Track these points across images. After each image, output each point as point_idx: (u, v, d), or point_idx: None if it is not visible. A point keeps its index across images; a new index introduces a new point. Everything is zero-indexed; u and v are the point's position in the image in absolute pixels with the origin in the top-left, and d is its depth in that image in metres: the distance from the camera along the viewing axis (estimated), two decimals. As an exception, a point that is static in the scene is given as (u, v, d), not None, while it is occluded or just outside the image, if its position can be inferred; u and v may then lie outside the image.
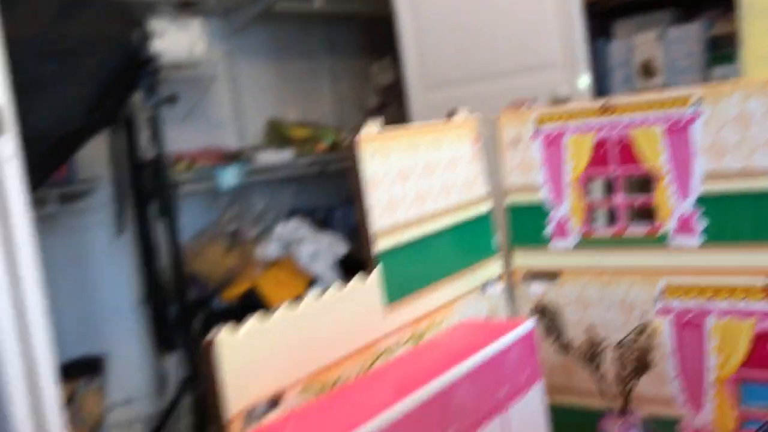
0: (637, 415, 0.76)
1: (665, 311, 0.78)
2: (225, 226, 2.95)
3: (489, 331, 0.72)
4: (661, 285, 0.78)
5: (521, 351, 0.71)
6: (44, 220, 2.44)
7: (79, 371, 2.67)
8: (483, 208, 0.83)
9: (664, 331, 0.79)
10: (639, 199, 0.79)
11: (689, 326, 0.77)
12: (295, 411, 0.59)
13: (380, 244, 0.69)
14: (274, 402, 0.59)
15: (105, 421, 2.73)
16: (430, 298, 0.75)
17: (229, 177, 2.79)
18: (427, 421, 0.59)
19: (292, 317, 0.60)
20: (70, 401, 2.54)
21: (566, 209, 0.82)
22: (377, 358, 0.68)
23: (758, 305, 0.73)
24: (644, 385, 0.81)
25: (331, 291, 0.63)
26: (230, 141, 3.04)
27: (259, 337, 0.57)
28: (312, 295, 0.62)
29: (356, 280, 0.66)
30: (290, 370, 0.59)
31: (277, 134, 3.04)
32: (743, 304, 0.74)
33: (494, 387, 0.67)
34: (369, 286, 0.67)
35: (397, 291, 0.71)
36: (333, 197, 3.13)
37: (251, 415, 0.57)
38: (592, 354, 0.75)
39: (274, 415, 0.57)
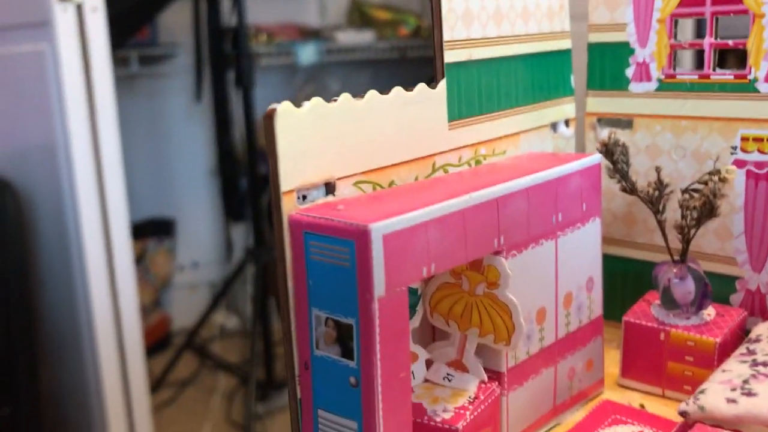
0: (694, 264, 0.73)
1: (741, 163, 0.75)
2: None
3: (553, 159, 0.71)
4: (740, 135, 0.74)
5: (582, 182, 0.70)
6: (125, 81, 2.49)
7: (151, 231, 2.77)
8: (563, 44, 0.80)
9: (737, 183, 0.75)
10: (731, 41, 0.74)
11: (765, 179, 0.74)
12: (347, 199, 0.59)
13: (450, 56, 0.67)
14: (328, 189, 0.59)
15: (172, 282, 2.84)
16: (495, 124, 0.73)
17: (308, 54, 2.78)
18: (476, 223, 0.59)
19: (354, 106, 0.59)
20: (140, 260, 2.65)
21: (650, 50, 0.78)
22: (435, 171, 0.67)
23: (843, 160, 0.69)
24: (707, 241, 0.79)
25: (397, 90, 0.62)
26: (311, 18, 3.01)
27: (319, 117, 0.56)
28: (376, 91, 0.61)
29: (423, 86, 0.65)
30: (346, 160, 0.59)
31: (358, 15, 2.99)
32: (827, 158, 0.70)
33: (549, 210, 0.66)
34: (436, 94, 0.66)
35: (462, 108, 0.69)
36: (410, 84, 3.09)
37: (304, 195, 0.57)
38: (656, 197, 0.73)
39: (325, 199, 0.58)
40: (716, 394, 0.59)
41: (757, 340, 0.68)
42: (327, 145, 0.57)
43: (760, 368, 0.61)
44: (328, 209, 0.55)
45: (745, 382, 0.59)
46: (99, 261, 1.58)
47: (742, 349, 0.67)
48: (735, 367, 0.63)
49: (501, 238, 0.61)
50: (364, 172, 0.61)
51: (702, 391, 0.60)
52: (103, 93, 1.53)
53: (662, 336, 0.74)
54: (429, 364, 0.65)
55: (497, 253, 0.62)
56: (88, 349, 1.63)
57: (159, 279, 2.81)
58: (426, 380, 0.64)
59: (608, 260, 0.87)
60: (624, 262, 0.85)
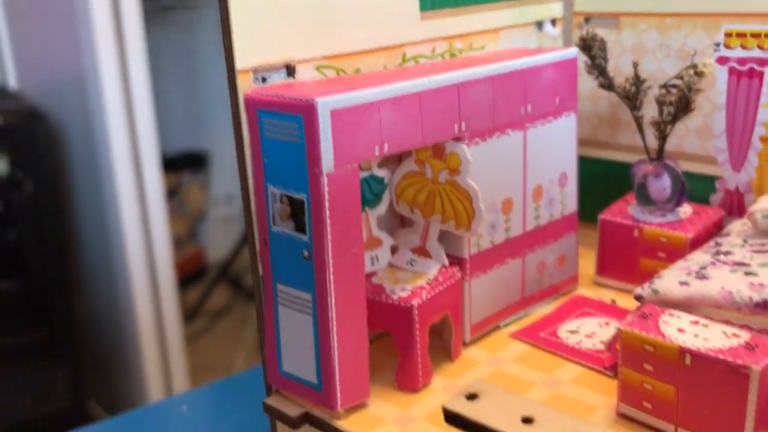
0: (671, 162, 0.73)
1: (724, 60, 0.74)
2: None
3: (529, 53, 0.70)
4: (723, 31, 0.73)
5: (556, 76, 0.69)
6: (157, 13, 2.48)
7: (185, 164, 2.78)
8: (546, -61, 0.79)
9: (719, 81, 0.74)
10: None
11: (746, 76, 0.72)
12: (307, 81, 0.60)
13: (421, -56, 0.67)
14: (289, 72, 0.60)
15: (206, 215, 2.88)
16: (473, 17, 0.72)
17: None
18: (435, 107, 0.59)
19: (314, -11, 0.59)
20: (175, 193, 2.68)
21: (635, -56, 0.76)
22: (405, 62, 0.68)
23: (825, 53, 0.68)
24: (689, 141, 0.78)
25: (360, -27, 0.62)
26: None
27: (276, -2, 0.57)
28: (340, -24, 0.61)
29: (390, -28, 0.65)
30: (307, 41, 0.60)
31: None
32: (809, 51, 0.68)
33: (517, 100, 0.66)
34: (403, -18, 0.66)
35: (435, -1, 0.69)
36: None
37: (264, 78, 0.58)
38: (633, 93, 0.72)
39: (283, 80, 0.59)
40: (671, 278, 0.59)
41: (727, 234, 0.68)
42: (285, 20, 0.57)
43: (721, 257, 0.61)
44: (283, 88, 0.56)
45: (702, 268, 0.60)
46: (130, 191, 1.61)
47: (711, 242, 0.67)
48: (697, 256, 0.63)
49: (462, 124, 0.62)
50: (327, 57, 0.62)
51: (659, 276, 0.61)
52: (133, 24, 1.53)
53: (636, 233, 0.74)
54: (395, 250, 0.67)
55: (458, 139, 0.62)
56: (121, 278, 1.68)
57: (193, 212, 2.83)
58: (390, 265, 0.66)
59: (593, 162, 0.87)
60: (608, 165, 0.85)
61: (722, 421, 0.50)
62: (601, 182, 0.86)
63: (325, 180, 0.53)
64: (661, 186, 0.73)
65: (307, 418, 0.61)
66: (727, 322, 0.56)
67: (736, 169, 0.75)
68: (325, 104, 0.52)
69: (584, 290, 0.77)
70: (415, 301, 0.60)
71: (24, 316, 1.78)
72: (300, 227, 0.55)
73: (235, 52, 0.55)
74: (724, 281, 0.57)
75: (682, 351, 0.51)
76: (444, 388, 0.62)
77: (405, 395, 0.61)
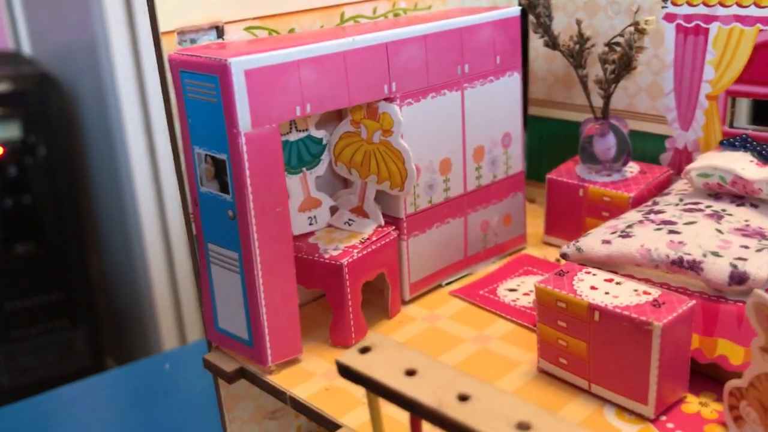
0: (617, 121, 0.73)
1: (671, 17, 0.73)
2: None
3: (473, 12, 0.70)
4: (670, -13, 0.72)
5: (495, 35, 0.69)
6: None
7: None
8: None
9: (668, 39, 0.74)
10: None
11: (693, 33, 0.72)
12: (234, 42, 0.60)
13: None
14: (219, 33, 0.60)
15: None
16: (416, -23, 0.72)
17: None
18: (361, 67, 0.60)
19: (241, -50, 0.60)
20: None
21: None
22: (344, 22, 0.68)
23: (765, 11, 0.67)
24: (640, 99, 0.78)
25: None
26: None
27: (199, -42, 0.57)
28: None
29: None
30: (239, 3, 0.60)
31: None
32: (751, 9, 0.68)
33: (453, 60, 0.66)
34: (338, -58, 0.66)
35: (374, -41, 0.69)
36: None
37: (192, 39, 0.59)
38: (578, 52, 0.72)
39: (211, 41, 0.59)
40: (595, 236, 0.60)
41: (668, 193, 0.68)
42: (208, -14, 0.58)
43: (651, 215, 0.62)
44: (205, 49, 0.56)
45: (629, 226, 0.60)
46: (142, 153, 1.63)
47: (650, 201, 0.67)
48: (630, 215, 0.64)
49: (392, 84, 0.62)
50: (258, 17, 0.62)
51: (585, 235, 0.61)
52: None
53: (581, 192, 0.74)
54: (335, 210, 0.68)
55: (390, 99, 0.63)
56: (136, 238, 1.71)
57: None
58: (329, 225, 0.67)
59: (548, 122, 0.87)
60: (563, 124, 0.85)
61: (629, 376, 0.51)
62: (558, 142, 0.86)
63: (243, 140, 0.54)
64: (606, 145, 0.73)
65: (242, 373, 0.63)
66: (647, 281, 0.57)
67: (685, 128, 0.75)
68: (239, 64, 0.52)
69: (532, 250, 0.78)
70: (345, 260, 0.61)
71: (42, 278, 1.82)
72: (224, 187, 0.56)
73: (158, 13, 0.56)
74: (645, 239, 0.57)
75: (591, 308, 0.52)
76: (377, 344, 0.63)
77: (338, 351, 0.63)
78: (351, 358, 0.43)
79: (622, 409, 0.53)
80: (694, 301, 0.51)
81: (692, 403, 0.53)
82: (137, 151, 1.63)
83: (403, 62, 0.62)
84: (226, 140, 0.54)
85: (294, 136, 0.64)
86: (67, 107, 1.88)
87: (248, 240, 0.56)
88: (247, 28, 0.61)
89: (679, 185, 0.69)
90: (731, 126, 0.72)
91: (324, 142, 0.66)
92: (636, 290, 0.53)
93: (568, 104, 0.84)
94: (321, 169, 0.66)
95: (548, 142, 0.87)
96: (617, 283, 0.54)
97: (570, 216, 0.75)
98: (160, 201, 1.68)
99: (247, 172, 0.54)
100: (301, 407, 0.57)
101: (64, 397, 1.16)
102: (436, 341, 0.63)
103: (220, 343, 0.63)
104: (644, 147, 0.78)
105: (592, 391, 0.54)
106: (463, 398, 0.39)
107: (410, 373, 0.42)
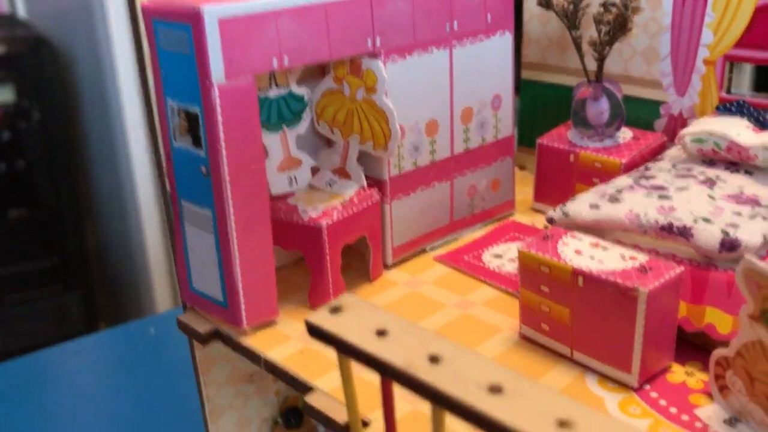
0: (611, 85, 0.71)
1: (669, -23, 0.70)
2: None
3: (459, -32, 0.67)
4: (669, -54, 0.69)
5: (487, -9, 0.67)
6: None
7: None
8: None
9: (665, 1, 0.71)
10: None
11: (690, -6, 0.69)
12: (213, -8, 0.58)
13: None
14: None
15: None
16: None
17: None
18: (343, 19, 0.57)
19: None
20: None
21: None
22: (329, -25, 0.65)
23: (769, -31, 0.64)
24: (635, 63, 0.75)
25: None
26: None
27: None
28: None
29: None
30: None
31: None
32: (753, -32, 0.65)
33: (441, 16, 0.64)
34: None
35: None
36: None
37: (167, -13, 0.56)
38: (572, 12, 0.69)
39: (190, -9, 0.57)
40: (583, 201, 0.58)
41: (661, 159, 0.66)
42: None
43: (643, 181, 0.60)
44: (180, -3, 0.54)
45: (619, 191, 0.58)
46: (138, 117, 1.60)
47: (642, 167, 0.65)
48: (620, 180, 0.61)
49: (376, 39, 0.60)
50: (238, -32, 0.59)
51: (573, 199, 0.59)
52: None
53: (572, 158, 0.72)
54: (316, 171, 0.65)
55: (374, 55, 0.60)
56: (130, 203, 1.69)
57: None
58: (311, 186, 0.65)
59: (541, 86, 0.84)
60: (557, 89, 0.83)
61: (613, 343, 0.50)
62: (551, 107, 0.83)
63: (216, 92, 0.51)
64: (599, 110, 0.71)
65: (216, 335, 0.61)
66: (635, 247, 0.55)
67: (680, 94, 0.73)
68: (213, 13, 0.50)
69: (520, 216, 0.76)
70: (325, 222, 0.59)
71: (37, 243, 1.81)
72: (197, 142, 0.54)
73: (128, -41, 0.53)
74: (634, 204, 0.55)
75: (575, 272, 0.50)
76: (356, 308, 0.62)
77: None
78: (321, 318, 0.42)
79: (604, 377, 0.51)
80: (682, 268, 0.49)
81: (678, 373, 0.51)
82: (132, 114, 1.61)
83: (388, 16, 0.60)
84: (199, 93, 0.52)
85: (274, 93, 0.61)
86: (62, 71, 1.85)
87: (222, 198, 0.54)
88: (226, -22, 0.59)
89: (673, 151, 0.67)
90: (729, 92, 0.70)
91: (306, 99, 0.64)
92: (623, 255, 0.51)
93: (562, 68, 0.82)
94: (302, 127, 0.64)
95: (541, 106, 0.85)
96: (603, 248, 0.52)
97: (560, 182, 0.73)
98: (157, 164, 1.66)
99: (221, 126, 0.52)
100: (275, 370, 0.56)
101: (53, 358, 1.15)
102: (417, 306, 0.61)
103: (195, 303, 0.62)
104: (638, 113, 0.76)
105: (575, 358, 0.53)
106: (434, 360, 0.38)
107: (381, 333, 0.40)
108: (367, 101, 0.61)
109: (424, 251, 0.70)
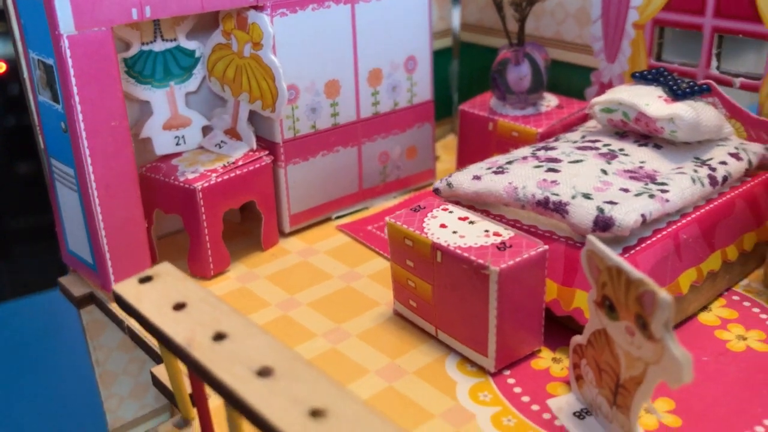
0: (533, 49, 0.66)
1: (599, -67, 0.65)
2: None
3: None
4: None
5: (397, -56, 0.62)
6: None
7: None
8: None
9: (595, -41, 0.66)
10: None
11: (619, -48, 0.64)
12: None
13: None
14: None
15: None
16: None
17: None
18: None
19: None
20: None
21: None
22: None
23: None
24: (567, 27, 0.71)
25: None
26: None
27: None
28: None
29: None
30: None
31: None
32: (682, -76, 0.60)
33: (341, -31, 0.60)
34: None
35: None
36: None
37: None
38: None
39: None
40: (469, 171, 0.54)
41: (574, 130, 0.62)
42: None
43: (540, 152, 0.56)
44: (35, -60, 0.51)
45: (509, 162, 0.54)
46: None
47: (553, 138, 0.61)
48: (518, 151, 0.58)
49: (261, -8, 0.56)
50: None
51: (461, 170, 0.56)
52: None
53: (490, 126, 0.68)
54: (209, 131, 0.62)
55: (260, 8, 0.57)
56: None
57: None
58: (201, 147, 0.62)
59: (480, 50, 0.80)
60: (494, 52, 0.78)
61: (471, 324, 0.46)
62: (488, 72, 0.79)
63: (66, 43, 0.48)
64: (519, 75, 0.66)
65: (91, 299, 0.59)
66: (516, 222, 0.51)
67: (611, 60, 0.68)
68: (56, -43, 0.47)
69: (441, 186, 0.72)
70: (200, 184, 0.56)
71: (44, 199, 1.80)
72: (55, 96, 0.51)
73: None
74: (516, 176, 0.51)
75: (434, 247, 0.47)
76: (239, 276, 0.59)
77: (199, 282, 0.58)
78: (127, 287, 0.39)
79: (465, 359, 0.48)
80: (546, 247, 0.46)
81: (545, 359, 0.48)
82: None
83: (274, -32, 0.56)
84: (51, 43, 0.49)
85: (159, 46, 0.58)
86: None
87: (80, 155, 0.51)
88: None
89: (592, 122, 0.63)
90: (658, 59, 0.65)
91: (197, 54, 0.61)
92: (487, 231, 0.47)
93: (500, 30, 0.77)
94: (193, 84, 0.61)
95: (479, 71, 0.80)
96: (471, 223, 0.49)
97: (480, 151, 0.69)
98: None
99: (73, 80, 0.49)
100: (136, 338, 0.53)
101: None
102: (302, 277, 0.58)
103: (74, 266, 0.59)
104: (570, 80, 0.71)
105: (439, 338, 0.50)
106: (218, 337, 0.35)
107: (179, 307, 0.37)
108: (254, 57, 0.58)
109: (329, 219, 0.67)
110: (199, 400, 0.40)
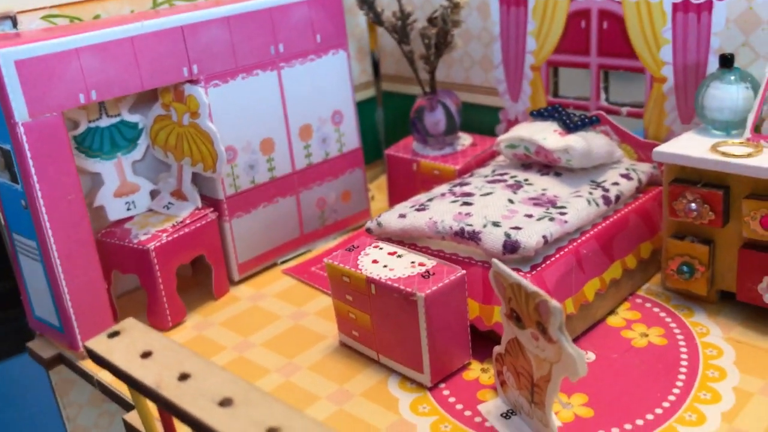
0: (445, 96, 0.74)
1: (492, -11, 0.74)
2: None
3: (288, -8, 0.70)
4: (489, -40, 0.73)
5: (314, 13, 0.69)
6: None
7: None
8: None
9: (493, 12, 0.74)
10: None
11: (514, 5, 0.72)
12: (27, 31, 0.60)
13: None
14: (11, 23, 0.60)
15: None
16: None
17: None
18: (154, 51, 0.60)
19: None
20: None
21: None
22: (157, 6, 0.68)
23: (575, -21, 0.68)
24: (475, 73, 0.79)
25: None
26: None
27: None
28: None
29: None
30: (30, -7, 0.60)
31: None
32: (561, -22, 0.68)
33: (265, 40, 0.67)
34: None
35: (188, -59, 0.69)
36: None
37: (-19, 29, 0.58)
38: (400, 27, 0.72)
39: (7, 31, 0.59)
40: (395, 210, 0.61)
41: (485, 166, 0.69)
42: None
43: (456, 188, 0.63)
44: (-13, 40, 0.56)
45: (430, 200, 0.61)
46: None
47: (468, 174, 0.68)
48: (437, 189, 0.65)
49: (193, 66, 0.62)
50: (58, 5, 0.62)
51: (389, 210, 0.62)
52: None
53: (414, 167, 0.75)
54: (157, 194, 0.68)
55: (194, 82, 0.63)
56: None
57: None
58: (150, 210, 0.67)
59: (401, 98, 0.87)
60: (413, 99, 0.86)
61: (407, 346, 0.52)
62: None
63: (21, 130, 0.54)
64: (435, 119, 0.74)
65: (60, 359, 0.63)
66: (440, 252, 0.58)
67: (514, 99, 0.76)
68: (8, 55, 0.52)
69: (376, 224, 0.79)
70: (153, 244, 0.62)
71: None
72: (14, 177, 0.56)
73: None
74: (435, 212, 0.58)
75: (369, 281, 0.53)
76: (195, 325, 0.64)
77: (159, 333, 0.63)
78: (97, 342, 0.44)
79: (405, 378, 0.54)
80: (464, 271, 0.52)
81: (474, 370, 0.54)
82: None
83: (204, 44, 0.63)
84: (7, 130, 0.54)
85: (105, 122, 0.64)
86: None
87: (41, 229, 0.56)
88: (45, 17, 0.61)
89: (501, 157, 0.71)
90: (555, 96, 0.73)
91: (140, 126, 0.66)
92: (413, 262, 0.54)
93: (414, 79, 0.85)
94: (138, 153, 0.66)
95: (402, 116, 0.88)
96: (399, 256, 0.55)
97: (407, 190, 0.76)
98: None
99: (30, 162, 0.54)
100: (106, 390, 0.58)
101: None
102: (255, 320, 0.64)
103: (41, 330, 0.64)
104: (481, 119, 0.79)
105: (381, 362, 0.56)
106: (183, 377, 0.40)
107: (146, 355, 0.43)
108: (193, 125, 0.64)
109: (275, 265, 0.73)
110: (170, 436, 0.45)
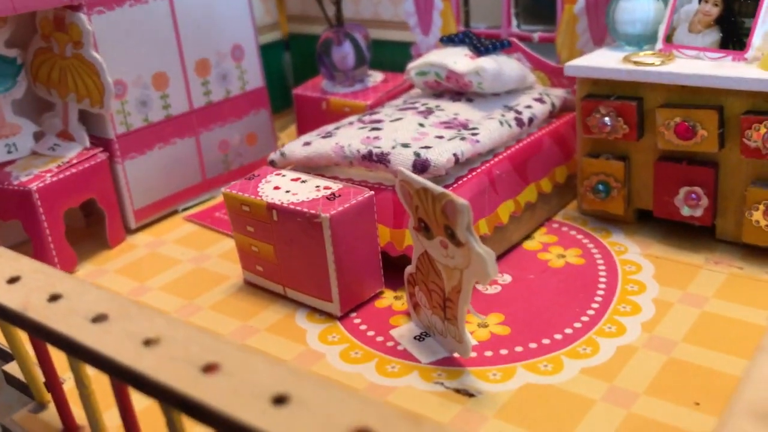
0: (354, 30, 0.70)
1: None
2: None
3: None
4: None
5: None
6: None
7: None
8: None
9: (398, -60, 0.71)
10: None
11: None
12: None
13: None
14: None
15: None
16: None
17: None
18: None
19: None
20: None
21: None
22: None
23: None
24: (383, 7, 0.75)
25: None
26: None
27: None
28: None
29: None
30: None
31: None
32: None
33: (154, -36, 0.62)
34: None
35: None
36: None
37: None
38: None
39: None
40: (300, 140, 0.57)
41: (398, 98, 0.66)
42: None
43: (365, 117, 0.59)
44: None
45: (337, 128, 0.58)
46: None
47: (379, 106, 0.65)
48: (346, 120, 0.61)
49: (75, -11, 0.57)
50: None
51: (293, 140, 0.58)
52: None
53: (324, 105, 0.72)
54: (41, 136, 0.62)
55: (76, 8, 0.58)
56: None
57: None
58: (34, 152, 0.62)
59: (308, 39, 0.83)
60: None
61: (314, 275, 0.49)
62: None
63: None
64: (343, 53, 0.70)
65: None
66: (349, 180, 0.54)
67: (425, 33, 0.73)
68: None
69: (286, 169, 0.75)
70: (35, 185, 0.56)
71: None
72: None
73: None
74: (342, 138, 0.55)
75: (269, 207, 0.49)
76: (88, 274, 0.59)
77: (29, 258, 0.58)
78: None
79: (314, 310, 0.51)
80: (372, 192, 0.49)
81: (387, 298, 0.51)
82: None
83: (85, -35, 0.57)
84: None
85: (-24, 56, 0.58)
86: None
87: None
88: None
89: (415, 91, 0.68)
90: (467, 26, 0.71)
91: (19, 61, 0.61)
92: (318, 186, 0.50)
93: (322, 18, 0.81)
94: (18, 91, 0.61)
95: (311, 59, 0.84)
96: (303, 182, 0.51)
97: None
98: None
99: None
100: (-16, 344, 0.53)
101: None
102: (154, 264, 0.59)
103: None
104: (393, 55, 0.76)
105: (288, 296, 0.52)
106: (53, 298, 0.36)
107: (12, 280, 0.38)
108: (77, 56, 0.59)
109: (176, 212, 0.68)
110: (52, 381, 0.41)
